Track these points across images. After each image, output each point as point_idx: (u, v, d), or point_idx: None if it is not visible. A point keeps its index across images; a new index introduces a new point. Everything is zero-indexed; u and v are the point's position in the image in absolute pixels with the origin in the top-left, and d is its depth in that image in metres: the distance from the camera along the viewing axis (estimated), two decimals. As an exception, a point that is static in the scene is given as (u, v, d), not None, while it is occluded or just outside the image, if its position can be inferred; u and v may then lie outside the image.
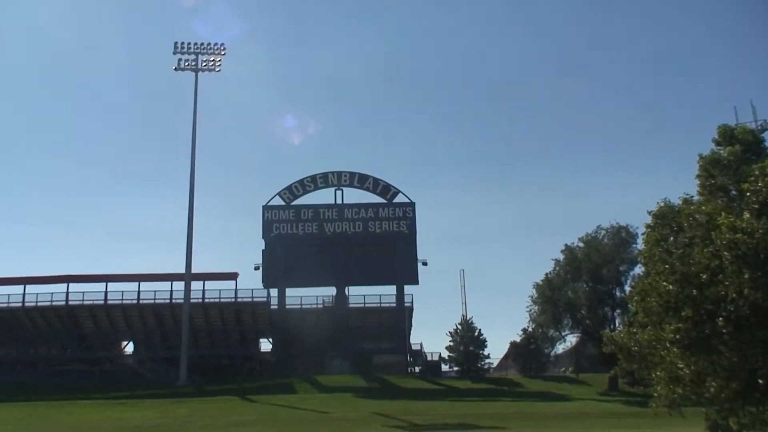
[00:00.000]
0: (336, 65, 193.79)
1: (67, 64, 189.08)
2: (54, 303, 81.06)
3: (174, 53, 75.90)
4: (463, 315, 77.65)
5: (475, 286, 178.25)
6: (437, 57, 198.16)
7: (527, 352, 74.75)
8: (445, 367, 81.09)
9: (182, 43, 76.38)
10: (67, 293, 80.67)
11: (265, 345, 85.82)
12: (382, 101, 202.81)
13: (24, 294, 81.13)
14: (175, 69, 75.81)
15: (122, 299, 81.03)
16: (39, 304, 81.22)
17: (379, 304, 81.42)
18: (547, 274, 69.59)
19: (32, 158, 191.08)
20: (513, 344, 76.90)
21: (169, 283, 79.47)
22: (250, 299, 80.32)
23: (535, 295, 69.34)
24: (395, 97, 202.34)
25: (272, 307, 79.90)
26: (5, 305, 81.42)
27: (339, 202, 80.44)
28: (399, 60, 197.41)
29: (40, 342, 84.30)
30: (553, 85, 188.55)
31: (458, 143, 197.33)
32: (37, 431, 39.20)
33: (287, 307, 79.24)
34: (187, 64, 75.80)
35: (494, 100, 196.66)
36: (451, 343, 76.63)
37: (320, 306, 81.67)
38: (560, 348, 74.69)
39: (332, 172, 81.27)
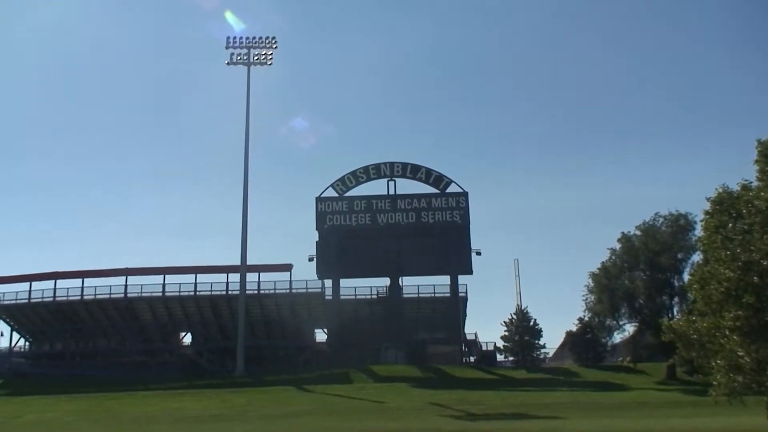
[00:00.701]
0: (384, 55, 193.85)
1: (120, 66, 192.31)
2: (113, 296, 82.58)
3: (226, 47, 76.49)
4: (517, 304, 77.31)
5: (529, 276, 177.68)
6: (490, 45, 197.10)
7: (584, 342, 74.04)
8: (500, 357, 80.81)
9: (234, 37, 77.12)
10: (126, 286, 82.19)
11: (320, 335, 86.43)
12: (434, 91, 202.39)
13: (82, 287, 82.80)
14: (228, 63, 76.39)
15: (180, 291, 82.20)
16: (98, 297, 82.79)
17: (433, 295, 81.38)
18: (603, 262, 68.95)
19: (87, 156, 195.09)
20: (569, 334, 76.28)
21: (225, 275, 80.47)
22: (304, 290, 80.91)
23: (592, 284, 68.75)
24: (447, 86, 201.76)
25: (327, 297, 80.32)
26: (64, 299, 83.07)
27: (392, 192, 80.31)
28: (449, 48, 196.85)
29: (98, 334, 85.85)
30: (608, 73, 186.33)
31: (511, 132, 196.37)
32: (98, 423, 39.90)
33: (341, 297, 79.45)
34: (239, 58, 76.24)
35: (548, 88, 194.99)
36: (506, 333, 76.24)
37: (374, 296, 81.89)
38: (617, 337, 73.92)
39: (385, 163, 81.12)
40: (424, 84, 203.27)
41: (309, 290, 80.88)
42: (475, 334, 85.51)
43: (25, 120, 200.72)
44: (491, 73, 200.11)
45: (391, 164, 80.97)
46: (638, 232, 68.60)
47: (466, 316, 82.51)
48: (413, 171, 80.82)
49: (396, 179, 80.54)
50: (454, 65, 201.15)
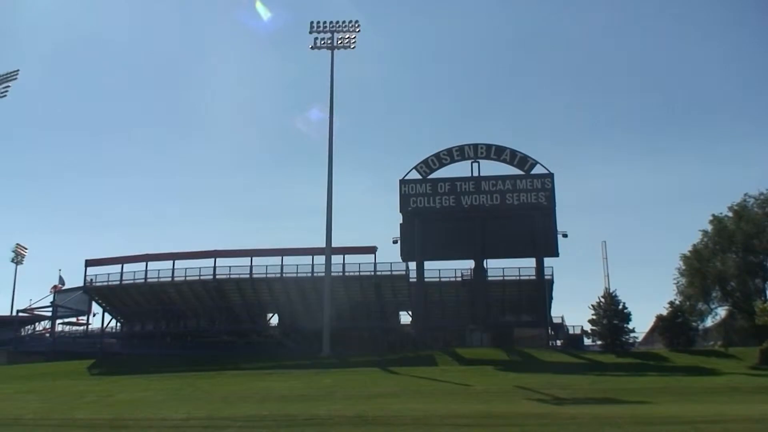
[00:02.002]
0: (467, 36, 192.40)
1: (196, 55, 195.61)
2: (202, 277, 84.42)
3: (310, 32, 77.17)
4: (605, 288, 76.01)
5: (617, 258, 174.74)
6: (578, 26, 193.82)
7: (674, 326, 72.42)
8: (587, 341, 79.76)
9: (318, 21, 77.52)
10: (215, 267, 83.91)
11: (405, 318, 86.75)
12: (522, 71, 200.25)
13: (173, 269, 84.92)
14: (312, 48, 77.04)
15: (266, 273, 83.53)
16: (187, 278, 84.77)
17: (518, 277, 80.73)
18: (695, 244, 67.50)
19: (177, 140, 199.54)
20: (659, 317, 74.75)
21: (311, 257, 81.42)
22: (389, 273, 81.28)
23: (683, 267, 67.42)
24: (536, 67, 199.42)
25: (411, 280, 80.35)
26: (156, 280, 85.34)
27: (476, 174, 79.53)
28: (537, 28, 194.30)
29: (188, 315, 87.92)
30: (694, 52, 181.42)
31: (598, 113, 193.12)
32: (188, 402, 40.63)
33: (426, 280, 79.25)
34: (323, 42, 76.75)
35: (634, 69, 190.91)
36: (594, 317, 75.13)
37: (459, 279, 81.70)
38: (709, 321, 72.26)
39: (468, 145, 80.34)
40: (511, 65, 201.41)
41: (393, 272, 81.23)
42: (562, 318, 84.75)
43: (114, 104, 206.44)
44: (575, 54, 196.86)
45: (475, 146, 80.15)
46: (730, 214, 66.88)
47: (552, 299, 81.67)
48: (497, 152, 79.83)
49: (480, 161, 79.65)
50: (538, 45, 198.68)
